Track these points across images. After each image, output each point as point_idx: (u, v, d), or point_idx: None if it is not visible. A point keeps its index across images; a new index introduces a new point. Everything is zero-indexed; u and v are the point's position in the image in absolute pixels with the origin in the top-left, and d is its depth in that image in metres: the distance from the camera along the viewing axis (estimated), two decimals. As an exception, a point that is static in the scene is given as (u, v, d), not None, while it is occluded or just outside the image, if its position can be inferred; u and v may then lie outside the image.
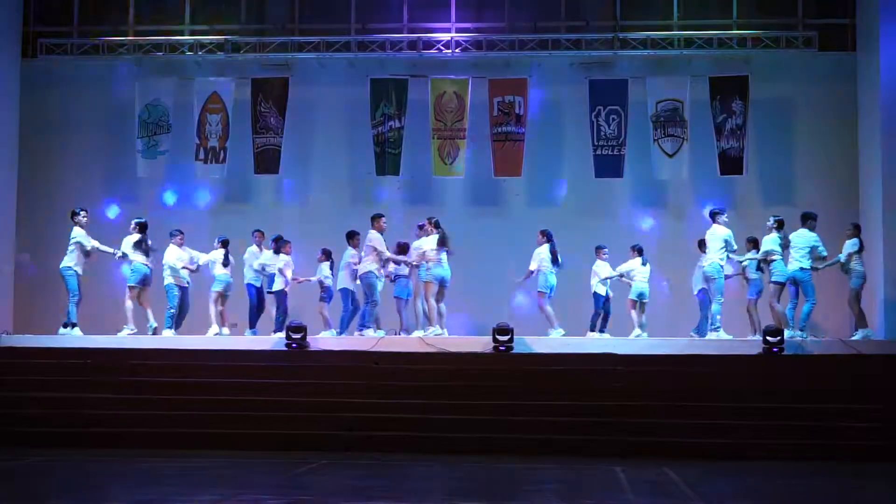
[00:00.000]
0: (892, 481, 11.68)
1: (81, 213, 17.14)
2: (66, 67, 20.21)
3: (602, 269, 17.59)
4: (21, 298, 19.73)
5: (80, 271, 16.81)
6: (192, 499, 9.93)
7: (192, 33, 20.23)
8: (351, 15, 20.14)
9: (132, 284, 17.07)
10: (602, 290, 17.57)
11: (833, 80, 19.24)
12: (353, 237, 17.04)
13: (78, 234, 16.86)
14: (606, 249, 17.71)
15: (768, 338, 14.94)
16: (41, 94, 20.24)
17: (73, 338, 16.45)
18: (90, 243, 16.86)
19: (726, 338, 16.30)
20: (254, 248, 17.74)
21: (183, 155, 19.79)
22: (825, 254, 16.14)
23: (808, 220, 16.20)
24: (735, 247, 16.51)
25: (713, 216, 16.70)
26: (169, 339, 16.56)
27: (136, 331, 16.82)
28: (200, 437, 13.64)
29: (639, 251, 17.64)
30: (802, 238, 16.07)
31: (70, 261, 16.76)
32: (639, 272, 17.52)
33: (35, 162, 20.12)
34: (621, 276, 17.62)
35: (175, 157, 19.82)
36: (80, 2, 20.47)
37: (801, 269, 16.04)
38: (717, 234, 16.40)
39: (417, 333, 16.25)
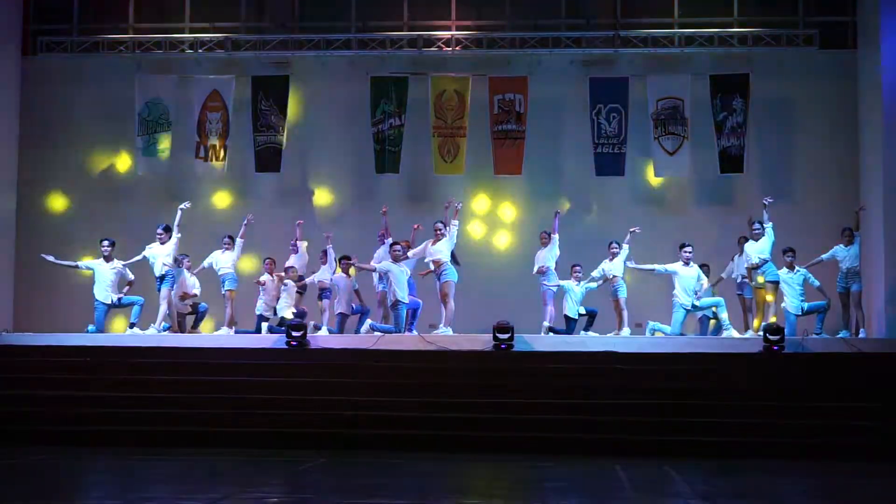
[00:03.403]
0: (893, 480, 11.66)
1: (104, 243, 17.11)
2: (66, 65, 20.21)
3: (576, 288, 17.28)
4: (21, 297, 19.72)
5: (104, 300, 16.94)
6: (193, 498, 9.91)
7: (192, 31, 20.21)
8: (351, 13, 20.12)
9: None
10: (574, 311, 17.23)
11: (834, 78, 19.22)
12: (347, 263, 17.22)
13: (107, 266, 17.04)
14: (579, 268, 17.37)
15: (769, 336, 14.92)
16: (41, 93, 20.23)
17: (72, 336, 16.43)
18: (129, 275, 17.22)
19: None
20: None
21: (183, 153, 19.79)
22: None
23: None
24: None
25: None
26: (169, 337, 16.55)
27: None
28: (200, 435, 13.62)
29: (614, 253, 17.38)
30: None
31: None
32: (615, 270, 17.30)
33: (35, 160, 20.10)
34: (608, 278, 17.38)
35: (175, 155, 19.81)
36: (79, 0, 20.44)
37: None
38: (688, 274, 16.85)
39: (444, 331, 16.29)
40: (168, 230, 17.01)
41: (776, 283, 16.47)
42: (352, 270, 17.14)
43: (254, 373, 14.86)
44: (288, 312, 16.84)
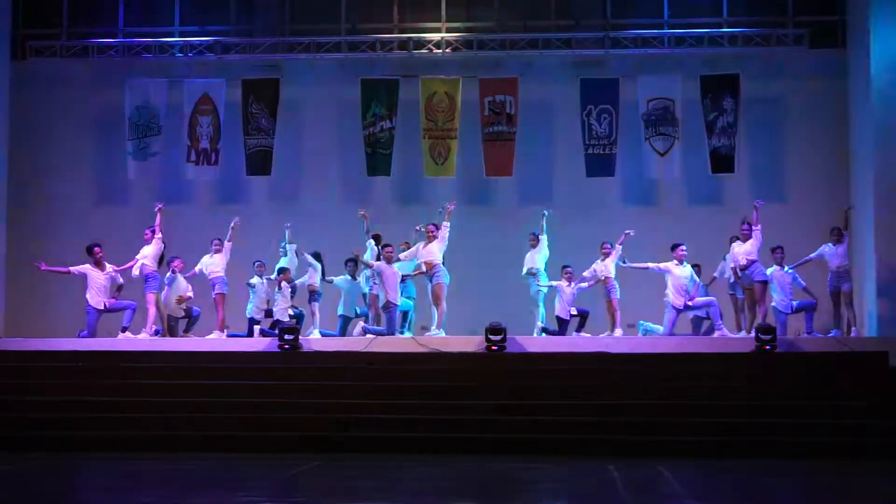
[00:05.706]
0: (888, 478, 11.67)
1: (97, 249, 16.92)
2: (56, 70, 20.18)
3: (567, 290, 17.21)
4: (12, 302, 19.67)
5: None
6: (188, 500, 9.90)
7: (182, 35, 20.20)
8: (341, 15, 20.11)
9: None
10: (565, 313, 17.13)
11: (824, 77, 19.28)
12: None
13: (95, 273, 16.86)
14: (570, 269, 17.27)
15: (761, 335, 14.93)
16: (31, 97, 20.20)
17: (65, 340, 16.38)
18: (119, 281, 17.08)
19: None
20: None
21: (174, 157, 19.75)
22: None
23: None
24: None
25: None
26: (161, 341, 16.52)
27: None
28: (195, 438, 13.60)
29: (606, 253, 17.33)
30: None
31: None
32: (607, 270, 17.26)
33: (25, 165, 20.07)
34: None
35: (166, 159, 19.77)
36: (69, 4, 20.41)
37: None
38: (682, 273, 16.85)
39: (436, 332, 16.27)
40: (154, 232, 16.99)
41: (765, 283, 16.47)
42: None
43: (246, 376, 14.84)
44: (285, 315, 16.81)
